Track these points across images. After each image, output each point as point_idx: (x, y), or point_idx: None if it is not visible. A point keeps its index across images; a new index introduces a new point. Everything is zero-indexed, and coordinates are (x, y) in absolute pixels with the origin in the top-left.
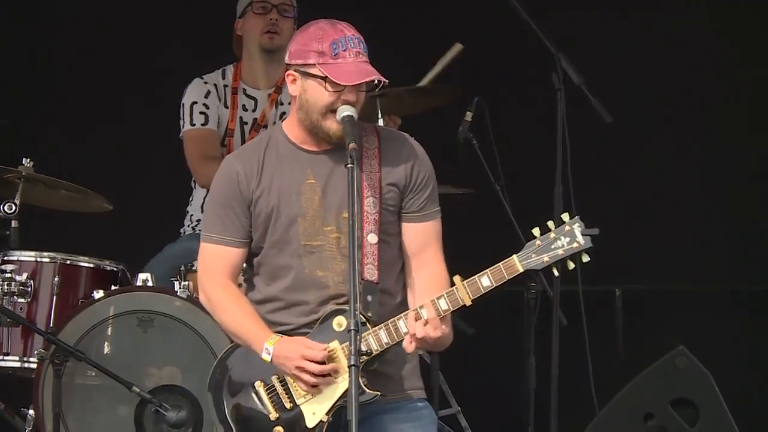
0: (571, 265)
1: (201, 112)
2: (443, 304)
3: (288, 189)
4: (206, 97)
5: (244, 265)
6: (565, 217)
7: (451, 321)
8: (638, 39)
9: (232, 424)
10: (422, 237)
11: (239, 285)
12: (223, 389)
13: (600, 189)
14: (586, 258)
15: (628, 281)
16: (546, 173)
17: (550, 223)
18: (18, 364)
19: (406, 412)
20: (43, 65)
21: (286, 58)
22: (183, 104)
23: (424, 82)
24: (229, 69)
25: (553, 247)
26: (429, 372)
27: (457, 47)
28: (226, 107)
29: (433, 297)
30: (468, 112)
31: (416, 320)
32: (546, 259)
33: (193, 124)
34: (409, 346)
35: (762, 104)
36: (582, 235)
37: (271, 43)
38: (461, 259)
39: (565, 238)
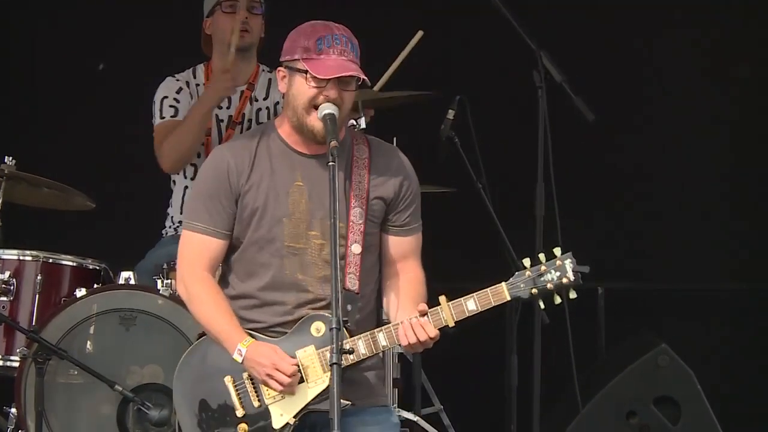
0: (558, 300)
1: (171, 106)
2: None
3: (276, 188)
4: (177, 92)
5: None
6: (557, 251)
7: None
8: (636, 36)
9: (197, 417)
10: (403, 250)
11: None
12: (191, 381)
13: (582, 187)
14: (573, 294)
15: (610, 280)
16: (528, 171)
17: (541, 256)
18: (0, 363)
19: (372, 415)
20: (25, 63)
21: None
22: (154, 102)
23: (389, 72)
24: (200, 68)
25: (542, 279)
26: (411, 370)
27: (419, 34)
28: None
29: (410, 300)
30: (450, 111)
31: (415, 331)
32: (534, 291)
33: (162, 117)
34: (410, 348)
35: (752, 103)
36: (572, 271)
37: (242, 41)
38: (441, 258)
39: (556, 272)
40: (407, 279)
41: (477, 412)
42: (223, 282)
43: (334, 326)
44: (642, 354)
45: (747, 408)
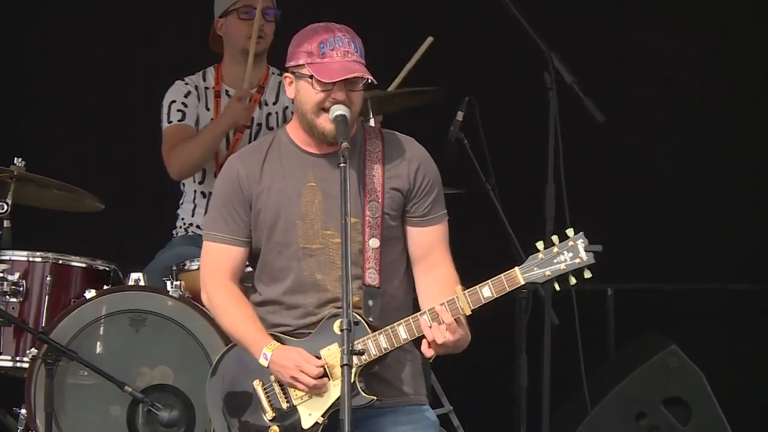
0: (573, 281)
1: (178, 110)
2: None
3: (288, 191)
4: (186, 96)
5: (249, 269)
6: (570, 232)
7: (465, 322)
8: (640, 34)
9: (228, 422)
10: (427, 242)
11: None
12: (222, 387)
13: (592, 188)
14: (588, 274)
15: (620, 280)
16: (538, 172)
17: (554, 238)
18: (10, 364)
19: (405, 414)
20: (34, 64)
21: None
22: (162, 105)
23: (399, 78)
24: (210, 71)
25: (555, 261)
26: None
27: (429, 40)
28: (208, 110)
29: (442, 299)
30: (459, 112)
31: (430, 327)
32: (548, 273)
33: (170, 122)
34: (428, 351)
35: (760, 102)
36: (585, 251)
37: (257, 47)
38: (453, 259)
39: (568, 253)
40: (437, 276)
41: (486, 412)
42: (253, 289)
43: (345, 327)
44: (651, 355)
45: (757, 409)
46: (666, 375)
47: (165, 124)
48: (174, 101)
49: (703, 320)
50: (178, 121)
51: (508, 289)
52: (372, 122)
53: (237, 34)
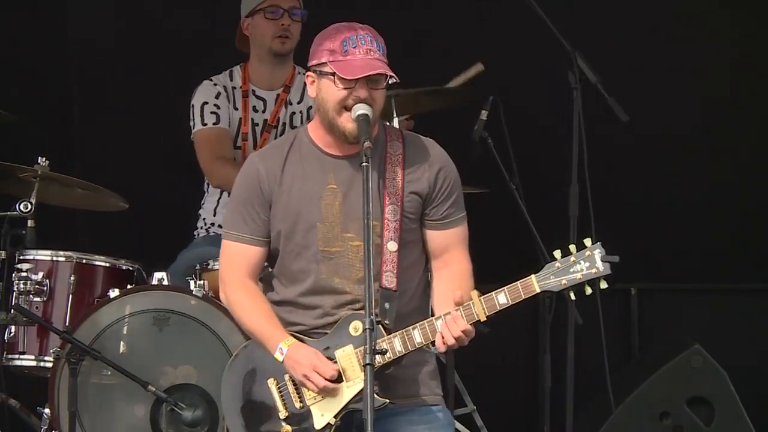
0: (589, 291)
1: (212, 112)
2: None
3: (308, 193)
4: (216, 97)
5: (266, 264)
6: (587, 241)
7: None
8: (655, 35)
9: (242, 420)
10: (445, 243)
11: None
12: (237, 384)
13: (616, 188)
14: (604, 284)
15: (643, 280)
16: (562, 172)
17: (572, 247)
18: (34, 363)
19: (420, 414)
20: (58, 63)
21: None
22: (193, 105)
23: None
24: (237, 71)
25: (571, 270)
26: (444, 371)
27: (478, 67)
28: (236, 109)
29: (452, 290)
30: (483, 111)
31: (440, 332)
32: (564, 282)
33: (204, 124)
34: (442, 347)
35: None
36: (602, 261)
37: (282, 47)
38: (475, 259)
39: (585, 263)
40: (451, 273)
41: (510, 412)
42: (268, 287)
43: (367, 327)
44: (675, 354)
45: None
46: (690, 375)
47: (199, 126)
48: (206, 102)
49: (726, 320)
50: (213, 123)
51: (523, 297)
52: (396, 122)
53: (264, 34)
